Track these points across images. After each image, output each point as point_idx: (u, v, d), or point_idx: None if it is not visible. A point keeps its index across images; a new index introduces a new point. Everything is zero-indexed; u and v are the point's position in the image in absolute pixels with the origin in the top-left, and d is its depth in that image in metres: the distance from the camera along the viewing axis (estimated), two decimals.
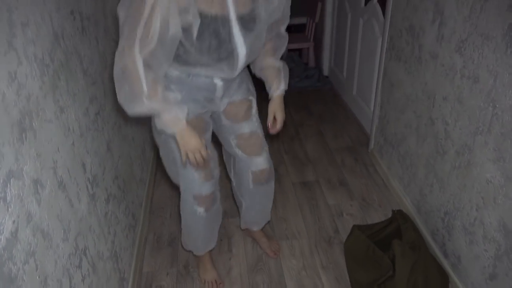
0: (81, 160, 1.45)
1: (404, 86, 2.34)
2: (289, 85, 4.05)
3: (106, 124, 1.82)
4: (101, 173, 1.67)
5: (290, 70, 4.14)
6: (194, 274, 2.07)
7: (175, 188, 2.64)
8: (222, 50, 1.33)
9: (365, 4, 3.14)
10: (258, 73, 1.68)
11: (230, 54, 1.35)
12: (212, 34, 1.26)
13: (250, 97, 1.71)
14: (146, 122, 2.60)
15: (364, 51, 3.21)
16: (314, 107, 3.73)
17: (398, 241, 1.82)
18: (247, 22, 1.30)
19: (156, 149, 2.99)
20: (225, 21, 1.26)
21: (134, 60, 1.18)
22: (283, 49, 1.65)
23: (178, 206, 1.81)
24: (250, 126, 1.73)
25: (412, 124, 2.28)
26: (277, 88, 1.65)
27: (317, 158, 2.98)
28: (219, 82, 1.51)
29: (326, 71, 4.27)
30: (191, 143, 1.41)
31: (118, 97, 1.27)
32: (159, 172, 2.86)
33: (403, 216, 2.06)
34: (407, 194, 2.42)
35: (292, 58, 4.20)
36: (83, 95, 1.55)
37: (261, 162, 1.79)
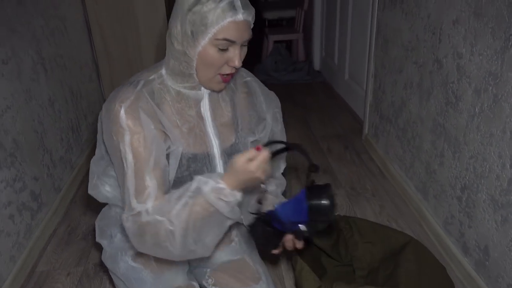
0: None
1: (402, 35, 1.80)
2: (274, 78, 3.57)
3: None
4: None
5: (276, 63, 3.65)
6: (105, 275, 1.46)
7: None
8: None
9: None
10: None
11: None
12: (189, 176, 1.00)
13: None
14: (82, 97, 2.06)
15: (355, 26, 2.71)
16: (301, 98, 3.18)
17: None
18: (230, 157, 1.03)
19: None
20: (207, 159, 1.03)
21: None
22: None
23: None
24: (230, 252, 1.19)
25: (414, 80, 1.71)
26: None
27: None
28: None
29: (317, 66, 3.76)
30: (249, 173, 0.90)
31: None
32: None
33: (347, 222, 1.40)
34: (410, 179, 1.81)
35: (278, 50, 3.70)
36: None
37: None
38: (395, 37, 1.89)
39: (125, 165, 0.92)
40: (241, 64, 0.93)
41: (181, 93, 0.99)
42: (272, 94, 1.19)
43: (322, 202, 0.86)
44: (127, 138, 0.91)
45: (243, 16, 0.88)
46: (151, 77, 0.99)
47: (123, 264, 1.11)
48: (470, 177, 1.34)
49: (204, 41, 0.88)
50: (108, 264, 1.15)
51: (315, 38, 3.68)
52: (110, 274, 1.18)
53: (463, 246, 1.41)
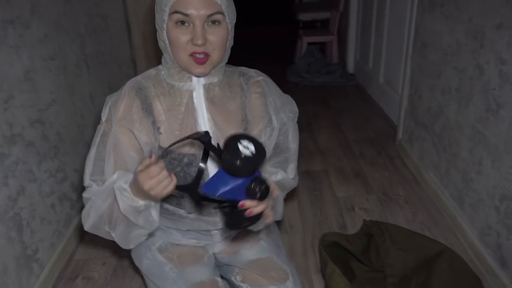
0: None
1: (441, 38, 1.76)
2: (307, 79, 3.56)
3: None
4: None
5: (309, 65, 3.64)
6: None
7: None
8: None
9: None
10: None
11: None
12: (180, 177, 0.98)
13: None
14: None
15: (392, 29, 2.67)
16: (334, 101, 3.16)
17: None
18: None
19: None
20: (194, 156, 0.99)
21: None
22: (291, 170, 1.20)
23: None
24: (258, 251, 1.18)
25: (452, 86, 1.68)
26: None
27: (329, 148, 2.39)
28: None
29: (351, 69, 3.72)
30: (136, 179, 0.82)
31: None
32: None
33: (379, 227, 1.38)
34: (445, 186, 1.77)
35: (312, 51, 3.69)
36: None
37: None
38: (434, 41, 1.85)
39: (92, 147, 0.99)
40: (204, 42, 0.90)
41: (174, 87, 1.00)
42: (287, 97, 1.13)
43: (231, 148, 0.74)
44: (101, 128, 0.98)
45: None
46: (149, 72, 1.03)
47: (146, 260, 1.14)
48: (510, 187, 1.30)
49: (165, 20, 0.92)
50: (134, 259, 1.20)
51: (349, 41, 3.65)
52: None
53: (500, 258, 1.37)
